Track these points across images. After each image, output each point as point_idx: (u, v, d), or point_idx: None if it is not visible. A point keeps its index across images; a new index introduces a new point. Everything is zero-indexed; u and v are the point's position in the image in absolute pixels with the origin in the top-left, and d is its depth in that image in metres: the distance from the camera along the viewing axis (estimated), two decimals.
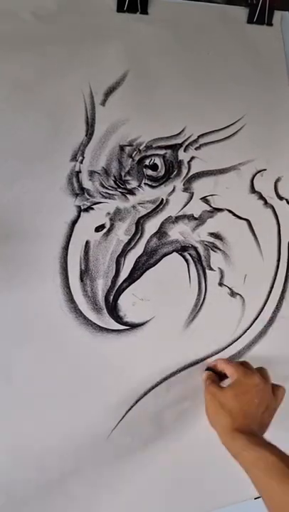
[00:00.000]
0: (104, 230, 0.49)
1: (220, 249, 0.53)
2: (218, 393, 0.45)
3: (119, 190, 0.50)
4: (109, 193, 0.50)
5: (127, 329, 0.48)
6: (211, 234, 0.52)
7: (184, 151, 0.53)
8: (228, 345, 0.51)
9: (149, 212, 0.51)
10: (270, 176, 0.56)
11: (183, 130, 0.53)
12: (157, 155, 0.52)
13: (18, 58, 0.49)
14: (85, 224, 0.48)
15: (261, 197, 0.55)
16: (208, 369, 0.50)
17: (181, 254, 0.51)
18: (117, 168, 0.50)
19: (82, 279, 0.48)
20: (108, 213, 0.49)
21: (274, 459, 0.37)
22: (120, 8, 0.53)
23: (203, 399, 0.47)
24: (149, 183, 0.51)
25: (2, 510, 0.43)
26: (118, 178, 0.50)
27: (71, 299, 0.47)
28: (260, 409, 0.44)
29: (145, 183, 0.51)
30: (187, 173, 0.53)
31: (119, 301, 0.49)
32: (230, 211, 0.54)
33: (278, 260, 0.55)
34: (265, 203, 0.55)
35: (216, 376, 0.49)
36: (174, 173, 0.52)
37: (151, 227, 0.51)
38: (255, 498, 0.51)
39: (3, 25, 0.49)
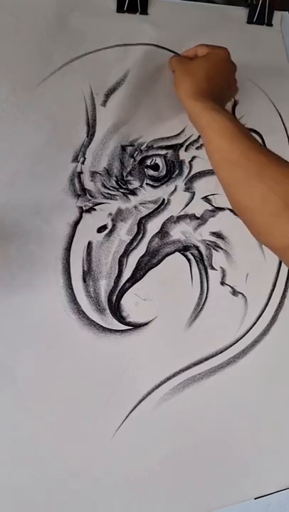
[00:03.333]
0: (107, 231, 0.49)
1: (222, 249, 0.53)
2: (185, 61, 0.48)
3: (121, 190, 0.50)
4: (110, 194, 0.50)
5: (130, 329, 0.48)
6: (213, 233, 0.53)
7: (185, 150, 0.53)
8: (232, 344, 0.52)
9: (151, 212, 0.51)
10: None
11: (183, 130, 0.53)
12: (158, 155, 0.52)
13: (18, 58, 0.49)
14: (87, 225, 0.48)
15: None
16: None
17: (183, 254, 0.51)
18: (119, 169, 0.50)
19: (84, 280, 0.48)
20: (110, 214, 0.49)
21: (228, 123, 0.39)
22: (120, 8, 0.53)
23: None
24: (151, 183, 0.51)
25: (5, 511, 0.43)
26: (120, 178, 0.50)
27: (74, 300, 0.47)
28: (223, 82, 0.46)
29: (147, 183, 0.51)
30: (188, 173, 0.53)
31: (122, 302, 0.49)
32: (231, 210, 0.54)
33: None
34: None
35: None
36: (176, 172, 0.52)
37: (153, 227, 0.51)
38: (255, 498, 0.51)
39: (3, 25, 0.49)
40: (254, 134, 0.56)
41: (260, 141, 0.56)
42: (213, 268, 0.52)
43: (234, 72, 0.49)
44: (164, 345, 0.49)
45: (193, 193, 0.53)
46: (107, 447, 0.46)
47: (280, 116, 0.58)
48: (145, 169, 0.51)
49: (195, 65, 0.46)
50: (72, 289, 0.47)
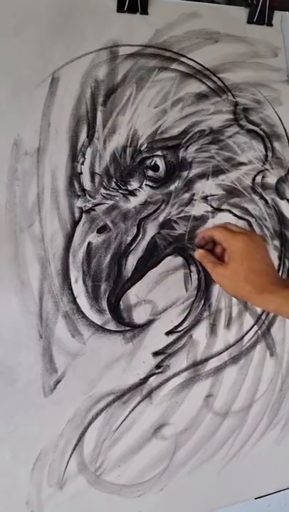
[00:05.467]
0: (106, 232, 0.49)
1: None
2: (224, 271, 0.42)
3: (121, 191, 0.50)
4: (110, 195, 0.50)
5: (130, 330, 0.48)
6: None
7: (185, 151, 0.53)
8: (232, 345, 0.52)
9: (151, 213, 0.51)
10: (271, 176, 0.56)
11: (184, 131, 0.53)
12: (158, 156, 0.52)
13: (19, 59, 0.49)
14: (86, 225, 0.48)
15: (262, 197, 0.55)
16: (194, 245, 0.46)
17: (182, 255, 0.51)
18: (118, 170, 0.50)
19: (84, 281, 0.48)
20: (110, 215, 0.49)
21: None
22: (120, 8, 0.53)
23: (204, 402, 0.47)
24: (150, 183, 0.51)
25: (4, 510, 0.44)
26: (119, 179, 0.50)
27: (73, 301, 0.47)
28: (267, 260, 0.42)
29: (146, 184, 0.51)
30: (188, 174, 0.53)
31: (121, 303, 0.49)
32: (230, 211, 0.54)
33: (280, 259, 0.55)
34: (266, 203, 0.55)
35: (208, 252, 0.44)
36: (175, 173, 0.52)
37: (153, 228, 0.51)
38: (256, 498, 0.51)
39: (3, 25, 0.49)
40: (253, 135, 0.56)
41: (259, 141, 0.56)
42: None
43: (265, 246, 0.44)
44: (163, 346, 0.49)
45: (193, 194, 0.53)
46: (105, 447, 0.46)
47: (279, 117, 0.58)
48: (145, 170, 0.51)
49: (236, 270, 0.41)
50: (71, 289, 0.47)
